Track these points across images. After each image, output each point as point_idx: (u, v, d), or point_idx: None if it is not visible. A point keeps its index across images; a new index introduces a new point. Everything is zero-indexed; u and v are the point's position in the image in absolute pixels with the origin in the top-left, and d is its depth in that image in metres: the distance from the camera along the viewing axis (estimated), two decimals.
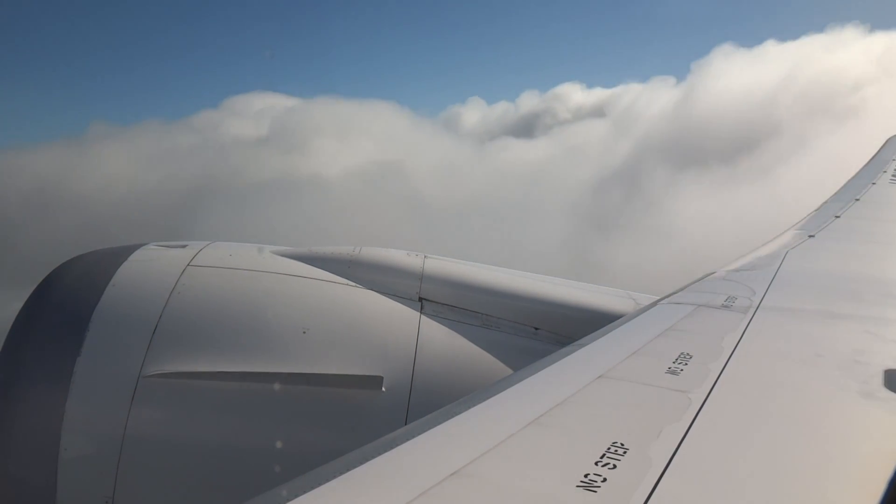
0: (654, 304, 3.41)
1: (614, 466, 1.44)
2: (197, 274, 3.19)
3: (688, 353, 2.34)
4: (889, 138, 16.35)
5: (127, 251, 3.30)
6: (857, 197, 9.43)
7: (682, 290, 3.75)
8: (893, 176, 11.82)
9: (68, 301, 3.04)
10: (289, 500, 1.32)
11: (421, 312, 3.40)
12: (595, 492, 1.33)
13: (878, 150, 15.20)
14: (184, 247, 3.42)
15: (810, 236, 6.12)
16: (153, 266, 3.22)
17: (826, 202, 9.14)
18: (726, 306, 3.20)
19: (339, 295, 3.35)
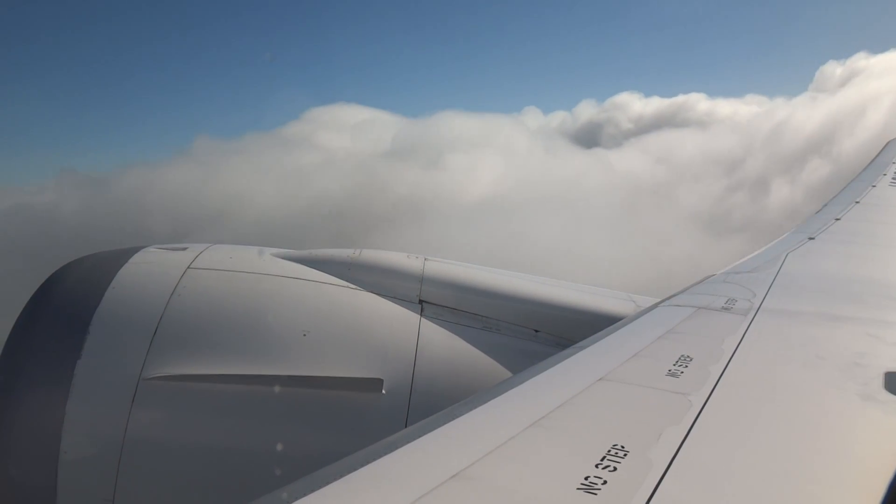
0: (655, 306, 3.41)
1: (615, 469, 1.44)
2: (197, 276, 3.19)
3: (688, 356, 2.34)
4: (889, 141, 16.38)
5: (127, 253, 3.31)
6: (858, 199, 9.44)
7: (682, 292, 3.75)
8: (893, 179, 11.83)
9: (69, 303, 3.04)
10: (289, 502, 1.32)
11: (421, 315, 3.40)
12: (595, 494, 1.33)
13: (878, 153, 15.22)
14: (184, 249, 3.42)
15: (810, 238, 6.12)
16: (153, 268, 3.22)
17: (826, 204, 9.15)
18: (726, 308, 3.20)
19: (339, 297, 3.35)
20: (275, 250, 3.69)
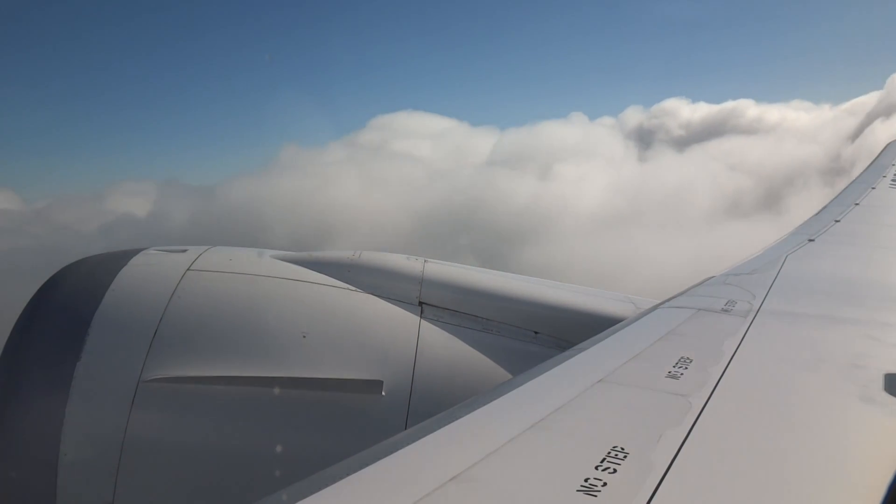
0: (654, 308, 3.41)
1: (614, 471, 1.44)
2: (197, 278, 3.19)
3: (688, 358, 2.34)
4: (889, 143, 16.40)
5: (127, 255, 3.31)
6: (857, 201, 9.45)
7: (681, 294, 3.75)
8: (893, 180, 11.84)
9: (69, 305, 3.04)
10: None
11: (421, 317, 3.40)
12: (595, 496, 1.33)
13: (878, 155, 15.24)
14: (184, 251, 3.42)
15: (810, 240, 6.12)
16: (153, 270, 3.22)
17: (826, 206, 9.16)
18: (726, 310, 3.20)
19: (338, 299, 3.35)
20: (274, 252, 3.69)
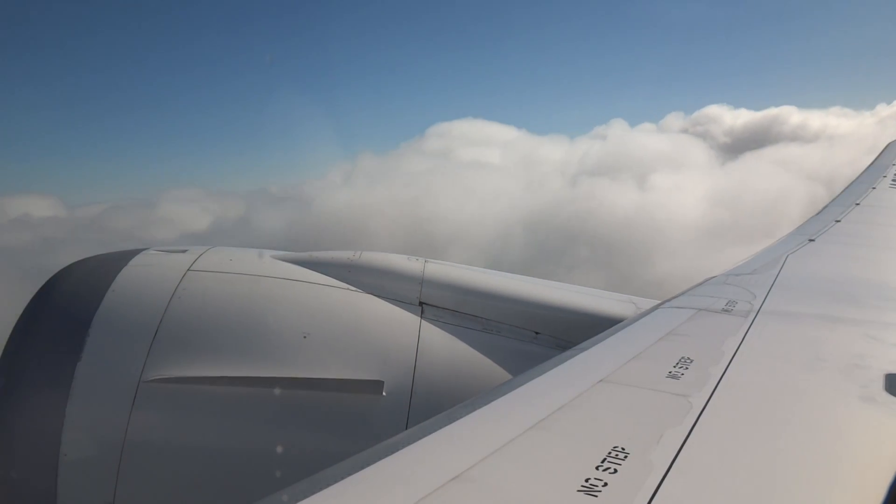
0: (655, 308, 3.41)
1: (615, 471, 1.44)
2: (197, 279, 3.19)
3: (688, 358, 2.34)
4: (889, 143, 16.41)
5: (127, 256, 3.31)
6: (857, 201, 9.44)
7: (682, 294, 3.75)
8: (893, 181, 11.84)
9: (69, 306, 3.04)
10: None
11: (421, 317, 3.40)
12: (596, 496, 1.33)
13: (878, 155, 15.25)
14: (184, 252, 3.42)
15: (810, 240, 6.12)
16: (153, 271, 3.22)
17: (826, 206, 9.16)
18: (727, 310, 3.20)
19: (339, 299, 3.35)
20: (275, 252, 3.69)
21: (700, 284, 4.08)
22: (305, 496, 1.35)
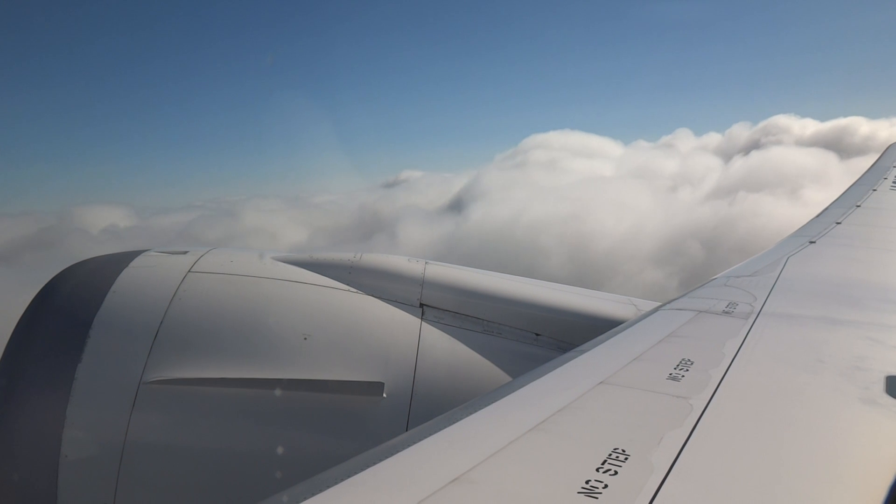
0: (656, 310, 3.41)
1: (615, 473, 1.44)
2: (197, 280, 3.19)
3: (689, 360, 2.34)
4: (890, 145, 16.42)
5: (128, 257, 3.31)
6: (858, 203, 9.44)
7: (683, 296, 3.75)
8: (894, 183, 11.84)
9: (69, 307, 3.04)
10: None
11: (422, 318, 3.40)
12: (596, 498, 1.33)
13: (879, 157, 15.25)
14: (184, 253, 3.43)
15: (811, 242, 6.12)
16: (154, 272, 3.22)
17: (827, 208, 9.15)
18: (727, 312, 3.20)
19: (340, 301, 3.35)
20: (275, 254, 3.68)
21: (701, 286, 4.08)
22: (306, 498, 1.35)
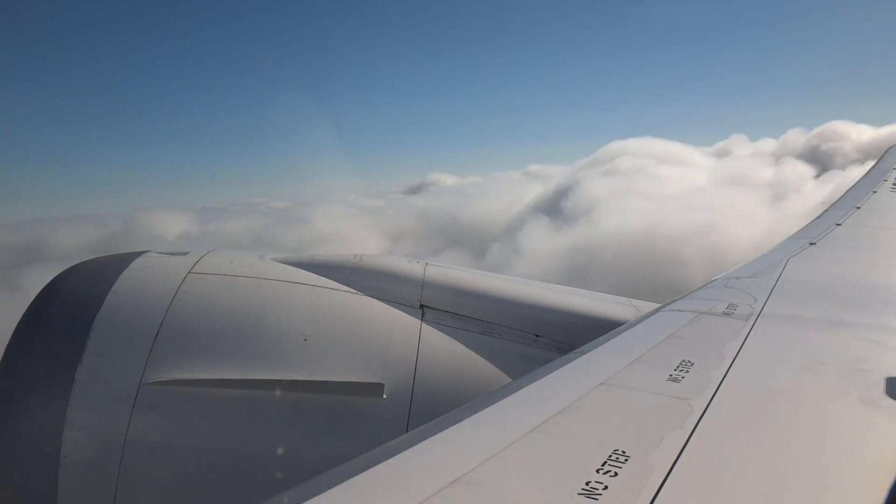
0: (656, 311, 3.41)
1: (615, 474, 1.44)
2: (198, 281, 3.19)
3: (689, 361, 2.34)
4: (889, 147, 16.43)
5: (128, 258, 3.31)
6: (858, 205, 9.44)
7: (683, 297, 3.75)
8: (894, 185, 11.84)
9: (70, 308, 3.04)
10: None
11: (422, 320, 3.40)
12: (596, 499, 1.33)
13: (879, 159, 15.26)
14: (185, 254, 3.43)
15: (811, 244, 6.12)
16: (154, 273, 3.22)
17: (827, 210, 9.16)
18: (727, 314, 3.20)
19: (340, 302, 3.35)
20: (276, 255, 3.69)
21: (701, 287, 4.08)
22: (306, 499, 1.35)
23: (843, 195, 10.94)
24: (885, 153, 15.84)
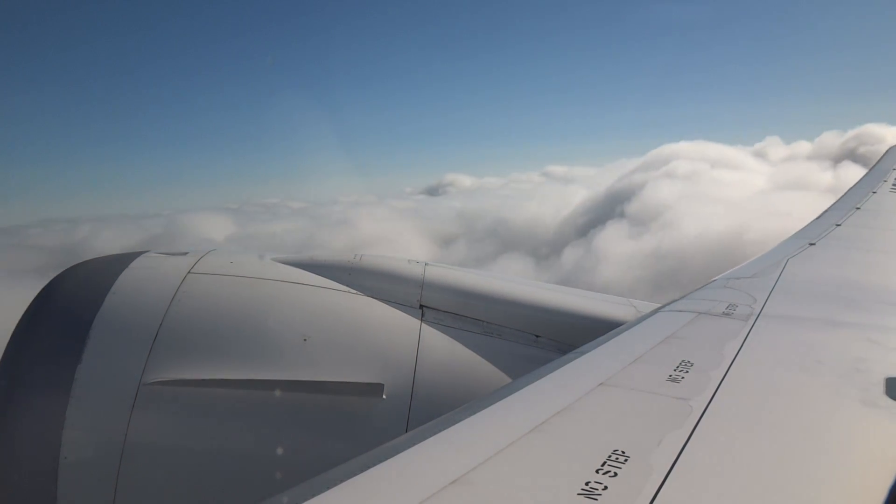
0: (655, 311, 3.41)
1: (615, 474, 1.44)
2: (197, 281, 3.19)
3: (689, 361, 2.34)
4: (889, 148, 16.44)
5: (128, 259, 3.31)
6: (858, 205, 9.44)
7: (683, 297, 3.75)
8: (894, 185, 11.84)
9: (69, 308, 3.04)
10: None
11: (422, 320, 3.40)
12: (596, 500, 1.33)
13: (879, 160, 15.27)
14: (184, 254, 3.43)
15: (811, 244, 6.12)
16: (154, 273, 3.22)
17: (827, 210, 9.16)
18: (727, 314, 3.20)
19: (339, 302, 3.35)
20: (275, 255, 3.69)
21: (700, 288, 4.08)
22: (306, 499, 1.35)
23: (843, 195, 10.94)
24: (885, 154, 15.85)
